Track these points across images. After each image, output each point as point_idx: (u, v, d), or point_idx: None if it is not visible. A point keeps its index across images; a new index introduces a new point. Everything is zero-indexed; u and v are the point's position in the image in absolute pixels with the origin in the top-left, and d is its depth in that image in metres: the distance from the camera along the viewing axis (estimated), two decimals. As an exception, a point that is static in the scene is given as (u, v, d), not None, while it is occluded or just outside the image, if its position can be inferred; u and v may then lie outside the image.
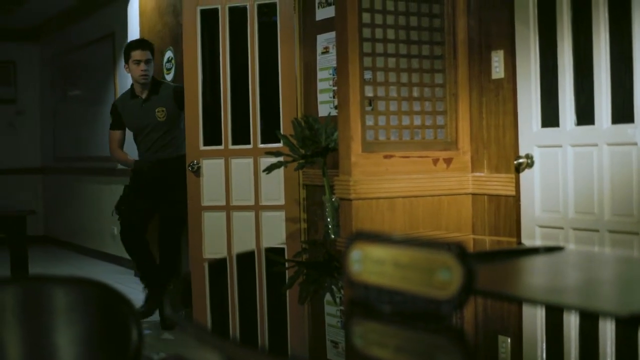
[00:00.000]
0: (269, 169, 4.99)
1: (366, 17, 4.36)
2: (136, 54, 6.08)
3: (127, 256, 8.97)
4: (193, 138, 6.27)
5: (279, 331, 1.90)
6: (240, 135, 6.29)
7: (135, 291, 7.58)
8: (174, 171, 6.22)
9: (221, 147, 6.23)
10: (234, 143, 6.23)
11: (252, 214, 6.21)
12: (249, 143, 6.20)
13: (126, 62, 6.17)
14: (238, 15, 6.33)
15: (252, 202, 6.19)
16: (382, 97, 4.42)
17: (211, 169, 6.27)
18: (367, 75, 4.39)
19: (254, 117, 6.13)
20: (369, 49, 4.37)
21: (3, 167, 12.00)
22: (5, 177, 12.00)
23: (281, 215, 6.05)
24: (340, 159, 4.33)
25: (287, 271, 2.88)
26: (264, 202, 6.16)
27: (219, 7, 6.28)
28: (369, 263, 1.78)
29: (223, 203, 6.25)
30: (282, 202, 6.01)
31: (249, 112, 6.16)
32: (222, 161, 6.23)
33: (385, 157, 4.35)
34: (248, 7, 6.17)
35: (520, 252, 2.54)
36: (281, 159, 5.14)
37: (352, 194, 4.22)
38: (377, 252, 1.78)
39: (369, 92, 4.37)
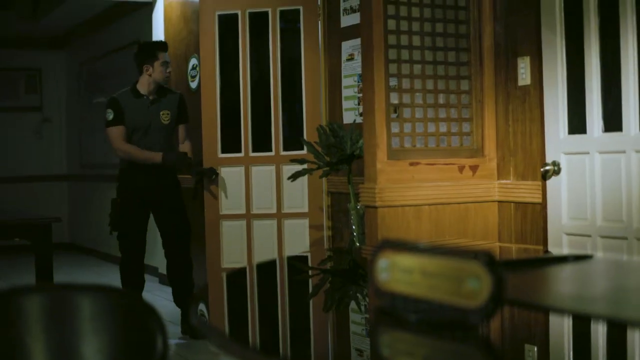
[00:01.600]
0: (294, 176, 4.98)
1: (391, 23, 4.34)
2: (164, 56, 5.99)
3: (152, 263, 9.01)
4: (211, 145, 6.26)
5: (302, 339, 1.88)
6: (260, 142, 6.26)
7: (160, 299, 7.59)
8: (174, 178, 6.09)
9: (241, 155, 6.22)
10: (254, 150, 6.23)
11: (273, 222, 6.19)
12: (270, 150, 6.19)
13: (149, 61, 5.93)
14: (259, 21, 6.30)
15: (273, 210, 6.16)
16: (408, 104, 4.40)
17: (229, 177, 6.26)
18: (393, 82, 4.37)
19: (276, 124, 6.12)
20: (395, 56, 4.35)
21: (29, 174, 12.07)
22: (31, 184, 12.07)
23: (304, 223, 6.03)
24: (366, 166, 4.31)
25: (311, 279, 2.86)
26: (286, 210, 6.13)
27: (239, 12, 6.26)
28: (397, 272, 1.76)
29: (243, 211, 6.23)
30: (305, 209, 6.00)
31: (270, 119, 6.16)
32: (241, 169, 6.21)
33: (411, 164, 4.32)
34: (270, 12, 6.16)
35: (548, 260, 2.51)
36: (305, 166, 5.13)
37: (377, 201, 4.20)
38: (405, 260, 1.76)
39: (394, 99, 4.35)
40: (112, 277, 9.41)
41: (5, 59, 11.81)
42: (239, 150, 6.25)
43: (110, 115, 5.98)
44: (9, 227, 5.86)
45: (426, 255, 1.72)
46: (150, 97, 6.00)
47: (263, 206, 6.20)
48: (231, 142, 6.33)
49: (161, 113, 6.00)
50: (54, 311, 2.24)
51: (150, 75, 5.96)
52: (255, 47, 6.31)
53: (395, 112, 4.39)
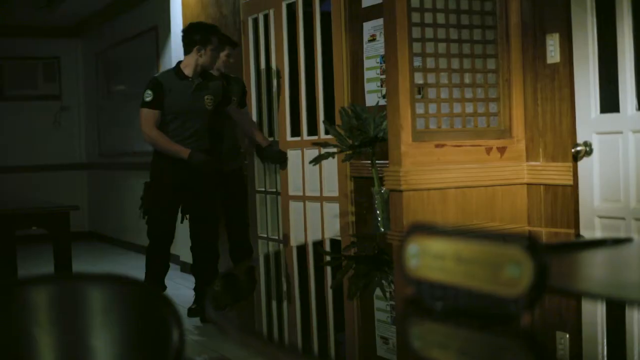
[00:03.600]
0: (316, 160, 4.85)
1: (415, 1, 4.19)
2: (216, 41, 5.82)
3: (173, 251, 8.91)
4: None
5: (324, 328, 1.77)
6: (294, 127, 6.41)
7: (182, 287, 7.49)
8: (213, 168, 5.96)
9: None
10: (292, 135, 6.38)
11: (300, 204, 6.25)
12: (298, 135, 6.25)
13: (204, 45, 5.75)
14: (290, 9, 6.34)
15: (300, 193, 6.23)
16: (433, 84, 4.25)
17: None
18: (417, 62, 4.22)
19: (301, 109, 6.20)
20: (418, 35, 4.20)
21: (48, 162, 12.01)
22: (50, 173, 12.01)
23: (330, 207, 5.95)
24: (390, 149, 4.17)
25: (332, 266, 2.73)
26: (309, 193, 6.10)
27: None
28: (428, 258, 1.63)
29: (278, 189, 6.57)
30: (328, 194, 5.91)
31: (300, 103, 6.23)
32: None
33: (437, 146, 4.18)
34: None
35: (586, 244, 2.37)
36: (331, 149, 5.00)
37: (402, 185, 4.06)
38: (437, 245, 1.62)
39: (418, 79, 4.21)
40: (131, 266, 9.33)
41: (23, 47, 11.74)
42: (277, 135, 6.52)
43: (149, 97, 5.68)
44: (27, 215, 5.79)
45: (460, 240, 1.58)
46: (195, 81, 5.81)
47: (295, 188, 6.29)
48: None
49: (205, 97, 5.84)
50: (63, 302, 2.13)
51: (200, 57, 5.79)
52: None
53: (419, 92, 4.24)
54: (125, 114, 10.61)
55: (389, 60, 4.17)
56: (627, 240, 2.34)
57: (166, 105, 5.71)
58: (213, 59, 5.84)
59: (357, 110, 4.61)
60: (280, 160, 6.21)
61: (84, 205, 12.15)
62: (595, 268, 2.08)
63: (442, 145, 4.19)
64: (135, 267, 9.27)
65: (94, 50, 11.74)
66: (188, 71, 5.78)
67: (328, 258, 2.80)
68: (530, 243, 1.46)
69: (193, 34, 5.83)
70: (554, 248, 2.32)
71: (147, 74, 9.73)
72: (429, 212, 4.13)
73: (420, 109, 4.18)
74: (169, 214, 5.87)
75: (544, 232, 4.12)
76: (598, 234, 4.01)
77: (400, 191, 4.07)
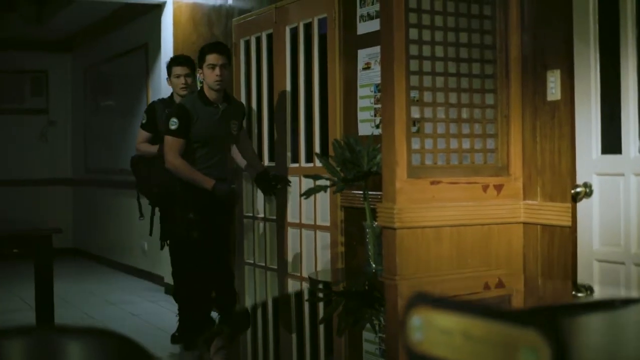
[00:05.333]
0: (307, 193, 4.73)
1: (413, 33, 4.08)
2: (211, 58, 5.60)
3: (158, 272, 8.78)
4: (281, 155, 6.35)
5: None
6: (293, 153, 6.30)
7: (165, 310, 7.35)
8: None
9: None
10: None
11: (297, 232, 6.16)
12: (297, 162, 6.19)
13: (200, 66, 5.66)
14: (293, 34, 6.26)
15: (297, 220, 6.14)
16: (430, 118, 4.13)
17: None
18: (413, 94, 4.11)
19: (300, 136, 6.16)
20: (416, 67, 4.08)
21: (34, 177, 11.85)
22: (36, 188, 11.85)
23: (320, 235, 5.85)
24: (384, 184, 4.04)
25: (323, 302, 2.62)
26: (305, 221, 6.01)
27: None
28: (433, 332, 1.50)
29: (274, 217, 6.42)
30: (320, 222, 5.80)
31: (299, 130, 6.16)
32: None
33: (432, 183, 4.06)
34: (301, 25, 6.09)
35: (593, 305, 2.24)
36: (326, 182, 4.87)
37: (396, 222, 3.94)
38: (443, 320, 1.49)
39: (415, 113, 4.09)
40: (117, 286, 9.19)
41: (10, 61, 11.60)
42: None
43: (174, 125, 5.50)
44: (8, 238, 5.64)
45: (470, 315, 1.46)
46: (221, 106, 5.64)
47: (292, 214, 6.21)
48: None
49: (232, 123, 5.73)
50: (40, 357, 2.00)
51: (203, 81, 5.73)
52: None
53: (414, 125, 4.13)
54: (113, 131, 10.48)
55: (385, 92, 4.06)
56: (635, 301, 2.22)
57: (193, 133, 5.53)
58: (211, 75, 5.60)
59: (350, 142, 4.50)
60: (275, 186, 6.03)
61: (69, 222, 12.00)
62: (605, 338, 1.96)
63: (438, 182, 4.07)
64: (120, 287, 9.14)
65: (83, 65, 11.62)
66: (210, 96, 5.61)
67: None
68: (549, 324, 1.33)
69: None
70: (552, 312, 2.19)
71: (136, 91, 9.63)
72: (422, 251, 4.00)
73: (416, 144, 4.06)
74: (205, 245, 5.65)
75: (540, 281, 4.01)
76: (595, 279, 3.90)
77: (394, 229, 3.94)
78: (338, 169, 4.56)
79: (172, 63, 6.26)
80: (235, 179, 6.63)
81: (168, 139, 5.53)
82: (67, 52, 12.05)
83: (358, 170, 4.43)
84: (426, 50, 4.12)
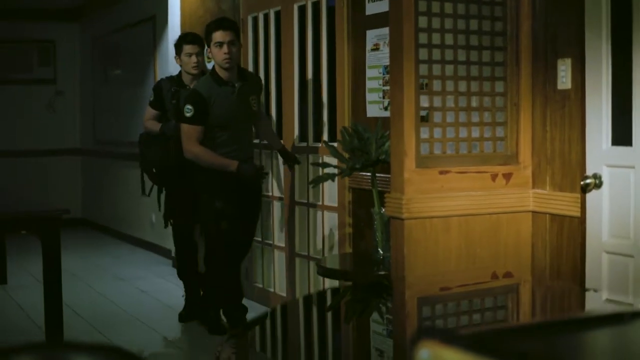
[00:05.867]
0: (315, 181, 4.71)
1: (422, 21, 4.03)
2: (217, 36, 5.36)
3: (166, 245, 8.78)
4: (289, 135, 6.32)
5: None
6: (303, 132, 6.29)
7: (173, 286, 7.36)
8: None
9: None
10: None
11: (305, 209, 6.17)
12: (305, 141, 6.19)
13: (207, 45, 5.49)
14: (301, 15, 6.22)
15: (305, 200, 6.14)
16: (439, 107, 4.09)
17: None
18: (422, 80, 4.07)
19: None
20: (425, 56, 4.04)
21: (43, 147, 11.83)
22: (44, 158, 11.84)
23: (329, 216, 5.86)
24: (393, 175, 4.02)
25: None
26: (312, 200, 6.04)
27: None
28: (441, 368, 1.49)
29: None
30: (329, 203, 5.80)
31: (308, 110, 6.16)
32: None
33: (441, 172, 4.03)
34: (310, 4, 6.05)
35: (600, 320, 2.21)
36: (334, 170, 4.84)
37: (404, 213, 3.92)
38: (452, 356, 1.48)
39: (424, 102, 4.05)
40: (125, 260, 9.21)
41: (18, 31, 11.54)
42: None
43: (189, 112, 5.33)
44: (15, 219, 5.62)
45: (480, 354, 1.44)
46: (235, 84, 5.44)
47: (300, 194, 6.21)
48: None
49: (251, 99, 5.55)
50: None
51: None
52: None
53: (422, 113, 4.09)
54: (121, 102, 10.45)
55: (393, 82, 4.02)
56: (645, 314, 2.19)
57: (212, 118, 5.35)
58: (219, 54, 5.40)
59: (358, 130, 4.47)
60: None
61: (77, 192, 12.01)
62: (613, 355, 1.94)
63: (447, 172, 4.04)
64: (128, 260, 9.16)
65: (91, 35, 11.56)
66: (223, 75, 5.42)
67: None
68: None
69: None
70: (558, 326, 2.17)
71: (144, 62, 9.58)
72: (431, 241, 3.99)
73: (424, 134, 4.03)
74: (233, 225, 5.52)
75: (547, 284, 4.00)
76: (604, 270, 3.87)
77: (402, 219, 3.92)
78: (347, 156, 4.53)
79: (182, 41, 6.07)
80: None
81: (184, 127, 5.36)
82: (75, 22, 11.98)
83: (367, 159, 4.40)
84: (435, 38, 4.07)
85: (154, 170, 6.08)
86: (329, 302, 3.03)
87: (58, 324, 5.47)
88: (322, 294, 3.24)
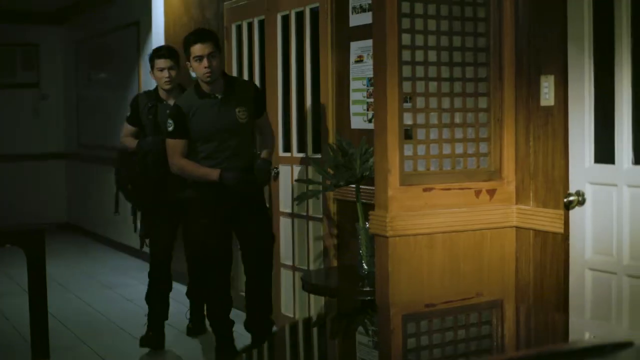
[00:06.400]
0: (300, 198, 4.71)
1: (406, 38, 4.03)
2: (196, 49, 5.18)
3: (148, 250, 8.75)
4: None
5: None
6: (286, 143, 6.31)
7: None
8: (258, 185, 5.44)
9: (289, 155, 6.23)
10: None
11: (289, 221, 6.19)
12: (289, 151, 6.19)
13: (187, 59, 5.27)
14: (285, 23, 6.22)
15: (289, 210, 6.16)
16: (422, 124, 4.10)
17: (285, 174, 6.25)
18: (406, 101, 4.07)
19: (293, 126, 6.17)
20: (409, 73, 4.04)
21: (26, 151, 11.79)
22: (28, 162, 11.80)
23: (313, 226, 5.87)
24: (377, 192, 4.02)
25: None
26: (297, 211, 6.06)
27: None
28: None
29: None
30: (314, 214, 5.81)
31: (290, 120, 6.18)
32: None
33: (425, 190, 4.04)
34: (293, 14, 6.07)
35: (584, 352, 2.23)
36: (319, 187, 4.84)
37: (389, 231, 3.92)
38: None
39: (408, 119, 4.05)
40: (110, 266, 9.19)
41: (1, 34, 11.48)
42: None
43: (171, 127, 5.26)
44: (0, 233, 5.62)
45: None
46: (219, 95, 5.28)
47: (284, 204, 6.21)
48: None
49: (237, 111, 5.27)
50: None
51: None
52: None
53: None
54: (105, 106, 10.43)
55: (377, 99, 4.02)
56: (626, 345, 2.22)
57: (193, 131, 5.24)
58: (199, 68, 5.22)
59: (343, 146, 4.47)
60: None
61: (62, 196, 11.98)
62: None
63: (431, 189, 4.05)
64: (113, 266, 9.13)
65: (75, 39, 11.52)
66: (204, 87, 5.29)
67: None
68: None
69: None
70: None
71: (128, 67, 9.57)
72: (415, 258, 4.00)
73: (408, 151, 4.03)
74: (224, 238, 5.40)
75: (530, 307, 4.01)
76: (588, 288, 3.89)
77: (387, 237, 3.93)
78: (331, 172, 4.53)
79: (154, 55, 5.90)
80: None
81: (168, 141, 5.30)
82: (59, 26, 11.93)
83: (351, 175, 4.41)
84: (419, 55, 4.08)
85: (129, 187, 5.95)
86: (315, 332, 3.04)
87: (43, 335, 5.48)
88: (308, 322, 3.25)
